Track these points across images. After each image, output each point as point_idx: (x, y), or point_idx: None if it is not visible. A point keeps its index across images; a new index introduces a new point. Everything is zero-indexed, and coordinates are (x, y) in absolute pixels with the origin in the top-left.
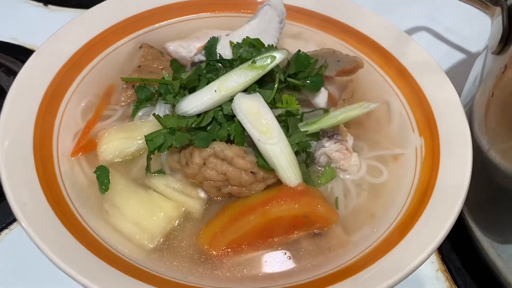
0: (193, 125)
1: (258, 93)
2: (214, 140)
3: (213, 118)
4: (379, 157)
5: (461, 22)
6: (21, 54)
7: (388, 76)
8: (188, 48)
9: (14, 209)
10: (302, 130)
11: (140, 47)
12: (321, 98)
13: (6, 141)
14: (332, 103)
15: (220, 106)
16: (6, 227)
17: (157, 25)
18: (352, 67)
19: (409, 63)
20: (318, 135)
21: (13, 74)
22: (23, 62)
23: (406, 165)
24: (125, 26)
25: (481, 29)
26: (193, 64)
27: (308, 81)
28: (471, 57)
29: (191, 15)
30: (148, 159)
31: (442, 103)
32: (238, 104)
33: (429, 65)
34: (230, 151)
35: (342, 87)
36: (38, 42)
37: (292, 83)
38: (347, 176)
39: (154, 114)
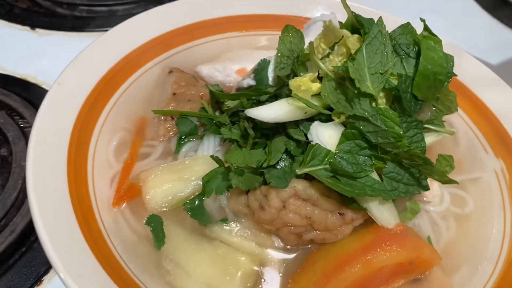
0: (263, 165)
1: (334, 121)
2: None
3: (285, 150)
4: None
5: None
6: (11, 84)
7: None
8: (225, 72)
9: (69, 285)
10: None
11: (170, 71)
12: None
13: (41, 199)
14: None
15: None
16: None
17: (182, 46)
18: None
19: (466, 77)
20: None
21: (5, 107)
22: (15, 93)
23: (489, 191)
24: (149, 49)
25: (496, 41)
26: (240, 89)
27: None
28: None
29: (217, 35)
30: (201, 205)
31: None
32: (317, 133)
33: (488, 78)
34: (314, 189)
35: None
36: (30, 70)
37: None
38: (431, 208)
39: (212, 156)
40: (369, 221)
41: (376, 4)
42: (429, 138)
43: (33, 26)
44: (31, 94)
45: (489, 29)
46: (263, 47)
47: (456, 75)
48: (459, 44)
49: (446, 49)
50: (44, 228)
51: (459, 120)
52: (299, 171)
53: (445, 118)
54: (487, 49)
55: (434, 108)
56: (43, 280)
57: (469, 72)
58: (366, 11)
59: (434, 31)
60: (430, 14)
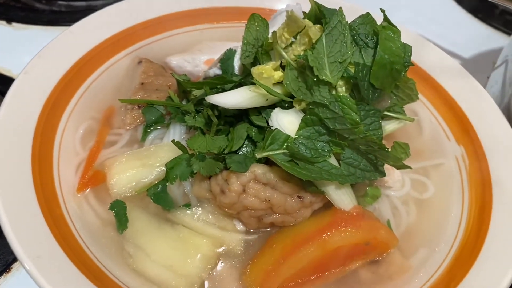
0: (225, 151)
1: (295, 108)
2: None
3: (247, 136)
4: (420, 170)
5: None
6: None
7: None
8: (194, 62)
9: (26, 265)
10: None
11: (139, 62)
12: None
13: (2, 184)
14: None
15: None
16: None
17: (153, 38)
18: None
19: (430, 67)
20: None
21: None
22: None
23: (450, 176)
24: (119, 40)
25: (471, 36)
26: (207, 78)
27: None
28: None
29: (188, 27)
30: (164, 190)
31: (476, 107)
32: (277, 119)
33: (452, 68)
34: (273, 173)
35: None
36: (5, 64)
37: None
38: (392, 193)
39: (173, 141)
40: (328, 205)
41: None
42: (391, 126)
43: (9, 20)
44: (5, 87)
45: (464, 24)
46: (234, 39)
47: (413, 65)
48: (434, 39)
49: (413, 41)
50: (4, 211)
51: (423, 109)
52: (258, 155)
53: (410, 107)
54: (461, 44)
55: (395, 97)
56: (11, 268)
57: (435, 62)
58: (331, 3)
59: (409, 25)
60: (405, 8)
